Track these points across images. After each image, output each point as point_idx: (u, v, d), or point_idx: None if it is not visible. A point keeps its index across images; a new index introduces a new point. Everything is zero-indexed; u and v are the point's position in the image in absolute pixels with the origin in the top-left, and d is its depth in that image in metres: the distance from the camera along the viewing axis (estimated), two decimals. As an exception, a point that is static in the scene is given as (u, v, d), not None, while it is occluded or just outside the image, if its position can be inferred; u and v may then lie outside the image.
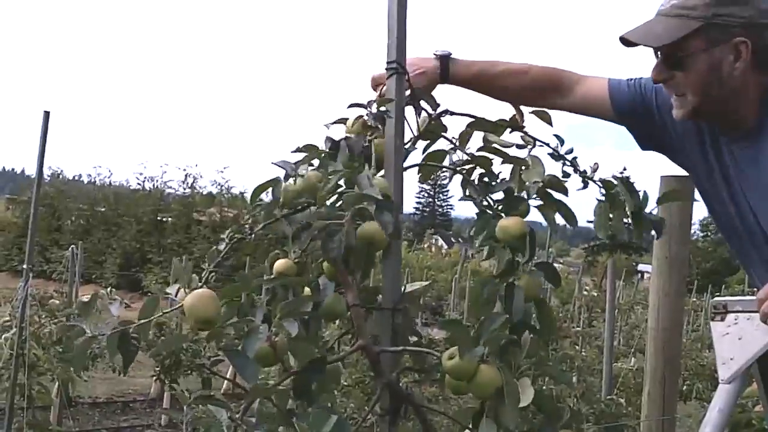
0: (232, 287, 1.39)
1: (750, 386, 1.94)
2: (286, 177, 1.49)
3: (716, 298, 1.72)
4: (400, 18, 1.55)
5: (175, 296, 1.40)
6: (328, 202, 1.48)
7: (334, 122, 1.60)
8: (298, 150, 1.51)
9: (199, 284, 1.39)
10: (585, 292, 10.42)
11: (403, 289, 1.61)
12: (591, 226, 1.70)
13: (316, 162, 1.52)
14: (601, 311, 9.85)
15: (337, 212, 1.42)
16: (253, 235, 1.49)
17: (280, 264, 1.50)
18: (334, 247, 1.38)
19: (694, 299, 16.23)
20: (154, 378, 8.21)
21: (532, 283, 1.55)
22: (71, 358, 1.29)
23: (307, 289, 1.49)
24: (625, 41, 1.67)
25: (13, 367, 4.96)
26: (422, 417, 1.54)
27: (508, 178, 1.65)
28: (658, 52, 1.69)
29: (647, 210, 1.64)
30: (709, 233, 46.42)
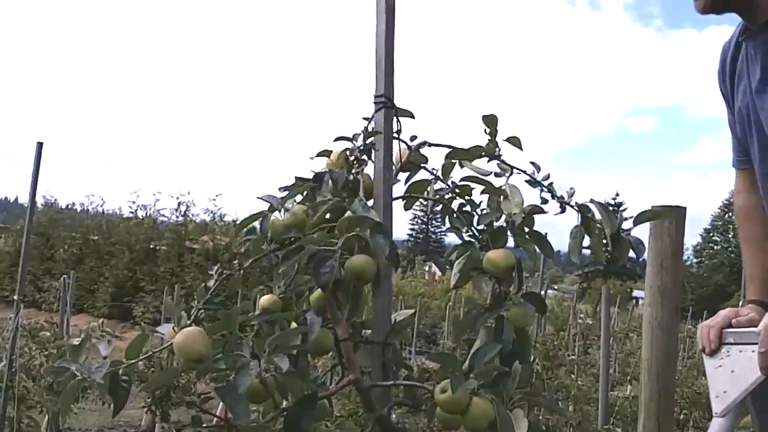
0: (215, 325, 1.38)
1: (745, 417, 1.92)
2: (271, 210, 1.48)
3: None
4: (388, 52, 1.56)
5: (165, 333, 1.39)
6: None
7: (318, 155, 1.60)
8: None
9: (188, 322, 1.38)
10: (580, 320, 10.40)
11: (393, 321, 1.60)
12: (586, 252, 1.71)
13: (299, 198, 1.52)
14: (597, 338, 9.80)
15: (328, 239, 1.42)
16: (242, 271, 1.48)
17: (265, 300, 1.49)
18: (326, 272, 1.37)
19: (690, 326, 16.18)
20: (145, 409, 8.12)
21: (521, 315, 1.55)
22: (60, 399, 1.27)
23: (293, 324, 1.48)
24: None
25: (2, 400, 4.90)
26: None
27: (486, 207, 1.66)
28: None
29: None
30: (702, 259, 46.53)
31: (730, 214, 47.08)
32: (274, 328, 1.47)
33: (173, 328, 1.35)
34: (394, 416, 1.65)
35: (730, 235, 46.93)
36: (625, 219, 1.76)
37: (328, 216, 1.47)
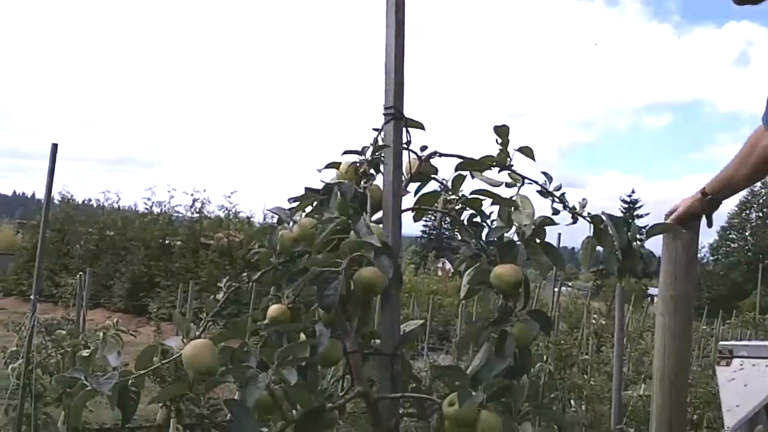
0: (224, 333, 1.38)
1: (759, 426, 1.91)
2: (280, 223, 1.48)
3: (722, 342, 1.70)
4: (398, 64, 1.55)
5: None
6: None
7: (326, 167, 1.60)
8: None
9: (197, 333, 1.39)
10: (593, 320, 10.36)
11: (402, 332, 1.60)
12: (600, 248, 1.70)
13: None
14: (610, 336, 9.75)
15: (332, 259, 1.42)
16: (250, 284, 1.48)
17: (273, 309, 1.49)
18: (330, 295, 1.37)
19: (705, 326, 16.05)
20: (161, 404, 8.18)
21: (525, 331, 1.55)
22: (70, 407, 1.28)
23: (302, 335, 1.48)
24: None
25: (20, 397, 4.95)
26: (423, 463, 1.53)
27: (497, 218, 1.65)
28: None
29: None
30: (719, 257, 46.17)
31: (747, 212, 46.72)
32: (282, 339, 1.47)
33: (182, 339, 1.36)
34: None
35: (746, 233, 46.53)
36: (640, 217, 1.74)
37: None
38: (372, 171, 1.53)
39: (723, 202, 2.17)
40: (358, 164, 1.54)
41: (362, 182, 1.52)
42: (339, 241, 1.43)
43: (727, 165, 2.14)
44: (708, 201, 2.13)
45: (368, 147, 1.56)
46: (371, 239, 1.37)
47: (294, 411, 1.42)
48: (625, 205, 45.41)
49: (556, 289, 10.14)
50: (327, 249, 1.45)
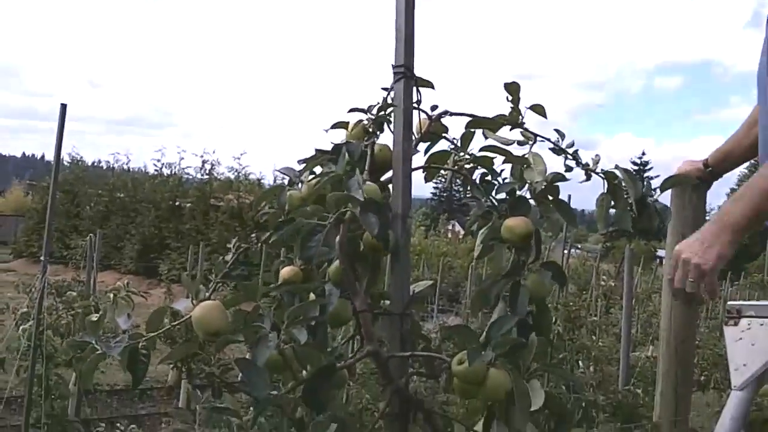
0: (235, 296, 1.39)
1: (765, 385, 1.92)
2: (290, 184, 1.48)
3: (730, 302, 1.70)
4: (408, 22, 1.53)
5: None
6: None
7: (333, 126, 1.59)
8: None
9: (206, 295, 1.39)
10: (602, 283, 10.39)
11: (412, 292, 1.60)
12: (611, 211, 1.69)
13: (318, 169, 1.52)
14: (619, 298, 9.78)
15: (322, 212, 1.41)
16: (259, 245, 1.49)
17: (286, 271, 1.50)
18: (312, 247, 1.36)
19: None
20: (172, 366, 8.28)
21: (538, 282, 1.54)
22: (81, 371, 1.29)
23: (312, 296, 1.49)
24: None
25: (31, 358, 5.01)
26: (433, 422, 1.54)
27: (509, 176, 1.64)
28: None
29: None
30: (728, 219, 45.91)
31: (759, 174, 46.30)
32: (294, 300, 1.47)
33: (192, 302, 1.37)
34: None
35: (757, 195, 46.16)
36: (651, 179, 1.73)
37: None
38: (377, 130, 1.52)
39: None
40: (365, 122, 1.53)
41: (364, 140, 1.51)
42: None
43: (730, 136, 2.12)
44: (709, 172, 2.11)
45: (374, 105, 1.54)
46: (356, 194, 1.35)
47: (304, 371, 1.44)
48: (635, 167, 45.18)
49: (565, 251, 10.14)
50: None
